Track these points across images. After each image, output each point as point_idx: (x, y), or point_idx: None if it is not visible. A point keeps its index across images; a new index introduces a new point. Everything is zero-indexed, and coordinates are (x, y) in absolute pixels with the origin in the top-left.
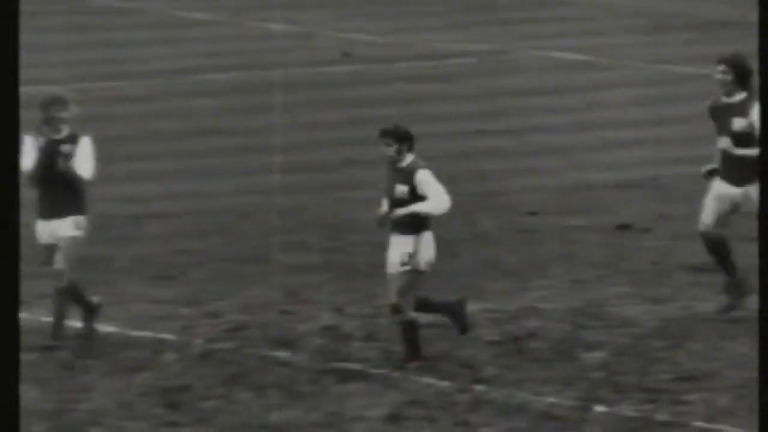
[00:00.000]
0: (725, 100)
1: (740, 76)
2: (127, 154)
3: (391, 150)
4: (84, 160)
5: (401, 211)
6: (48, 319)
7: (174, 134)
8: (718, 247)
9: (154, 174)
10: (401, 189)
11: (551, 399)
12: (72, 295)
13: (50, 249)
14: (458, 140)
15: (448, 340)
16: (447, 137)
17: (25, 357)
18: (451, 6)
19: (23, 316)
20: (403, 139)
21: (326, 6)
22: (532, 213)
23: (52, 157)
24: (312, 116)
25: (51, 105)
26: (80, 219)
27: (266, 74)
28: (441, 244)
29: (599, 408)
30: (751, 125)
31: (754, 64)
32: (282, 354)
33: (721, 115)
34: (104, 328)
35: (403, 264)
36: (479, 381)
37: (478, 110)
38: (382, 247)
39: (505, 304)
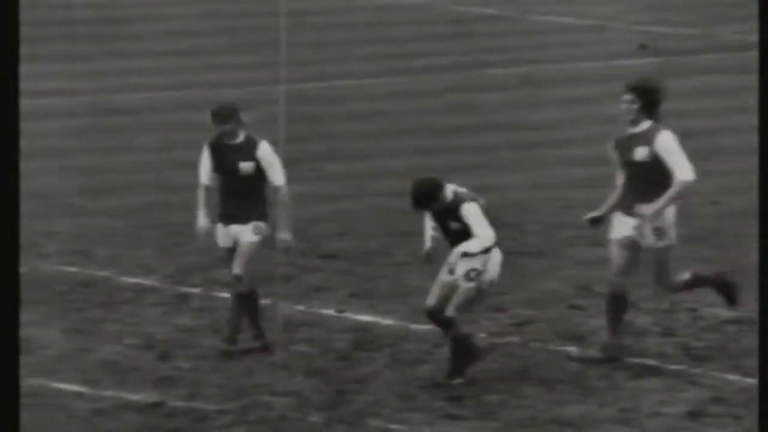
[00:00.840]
0: (630, 130)
1: (647, 105)
2: (407, 149)
3: None
4: (274, 167)
5: (452, 259)
6: (328, 312)
7: (459, 129)
8: (618, 303)
9: (435, 169)
10: (454, 225)
11: None
12: (247, 300)
13: (230, 253)
14: None
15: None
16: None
17: (300, 348)
18: None
19: (299, 308)
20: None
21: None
22: None
23: (233, 163)
24: (603, 110)
25: (227, 113)
26: (261, 225)
27: (556, 68)
28: None
29: None
30: (654, 155)
31: (662, 92)
32: (572, 349)
33: (624, 146)
34: (384, 320)
35: (469, 279)
36: None
37: None
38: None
39: None
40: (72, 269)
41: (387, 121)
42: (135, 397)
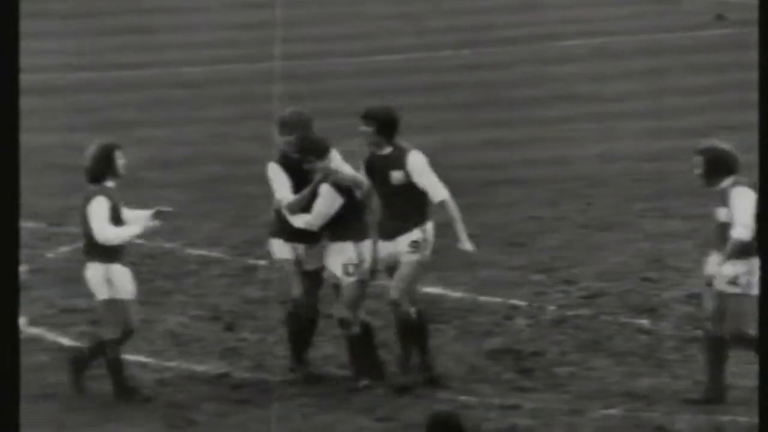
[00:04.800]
0: (378, 152)
1: (382, 130)
2: (477, 122)
3: None
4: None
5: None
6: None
7: (530, 101)
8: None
9: (505, 141)
10: None
11: None
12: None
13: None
14: None
15: None
16: None
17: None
18: None
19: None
20: None
21: None
22: None
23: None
24: (682, 81)
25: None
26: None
27: (630, 40)
28: None
29: None
30: (407, 175)
31: (399, 118)
32: (643, 321)
33: (378, 168)
34: (452, 293)
35: (348, 274)
36: None
37: None
38: None
39: None
40: (139, 241)
41: (457, 94)
42: (200, 368)
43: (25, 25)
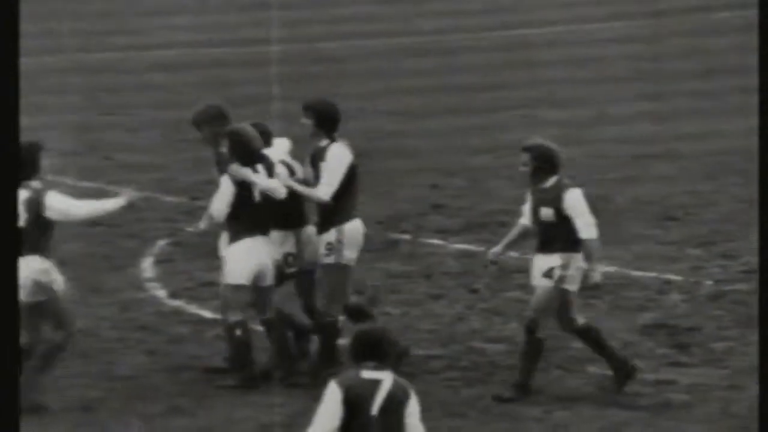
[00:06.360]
0: (318, 144)
1: (321, 123)
2: (628, 95)
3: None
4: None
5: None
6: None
7: (682, 74)
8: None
9: (658, 115)
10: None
11: None
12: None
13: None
14: None
15: None
16: None
17: (513, 295)
18: None
19: (513, 254)
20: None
21: None
22: None
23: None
24: None
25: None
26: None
27: None
28: None
29: None
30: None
31: (339, 112)
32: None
33: (316, 160)
34: (605, 268)
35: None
36: None
37: None
38: None
39: None
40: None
41: (610, 67)
42: (344, 342)
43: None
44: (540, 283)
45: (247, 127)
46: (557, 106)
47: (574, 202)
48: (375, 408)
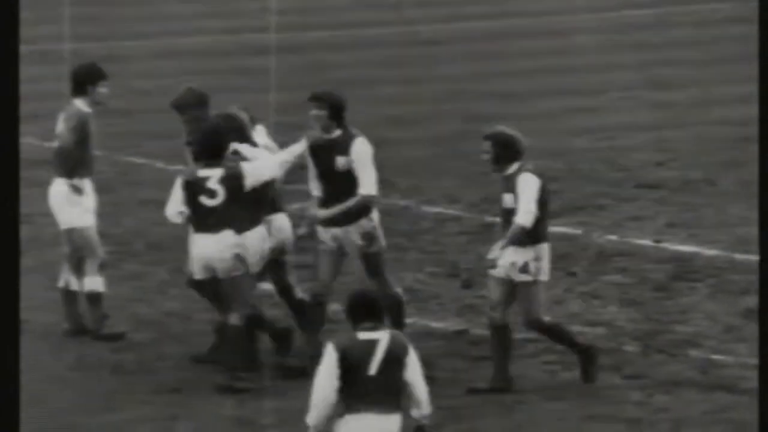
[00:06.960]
0: (325, 136)
1: (334, 113)
2: (729, 77)
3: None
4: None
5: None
6: (643, 242)
7: None
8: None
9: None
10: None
11: None
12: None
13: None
14: None
15: None
16: None
17: (613, 278)
18: None
19: (612, 238)
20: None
21: None
22: None
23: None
24: None
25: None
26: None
27: None
28: None
29: None
30: (349, 162)
31: (346, 102)
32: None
33: (323, 151)
34: (707, 251)
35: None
36: None
37: None
38: None
39: None
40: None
41: (716, 49)
42: (438, 324)
43: None
44: (519, 278)
45: (240, 112)
46: (660, 88)
47: (523, 185)
48: (373, 368)
